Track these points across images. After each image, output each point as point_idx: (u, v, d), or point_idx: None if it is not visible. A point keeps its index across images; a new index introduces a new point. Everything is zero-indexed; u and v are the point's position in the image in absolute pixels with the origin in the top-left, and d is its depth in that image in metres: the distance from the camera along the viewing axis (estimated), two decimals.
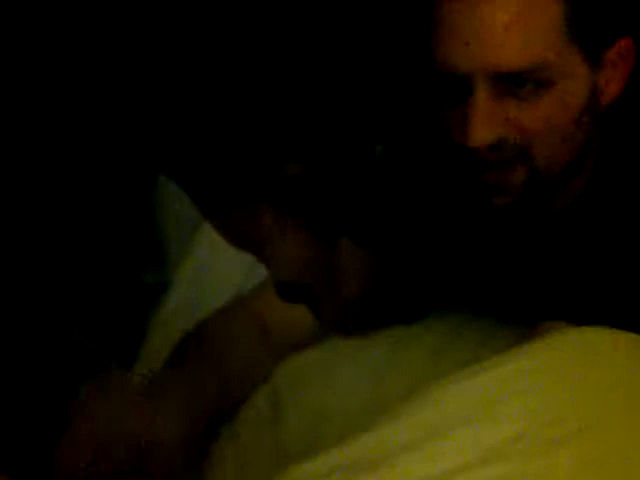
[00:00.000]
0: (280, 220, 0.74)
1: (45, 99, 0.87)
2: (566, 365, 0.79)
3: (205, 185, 0.74)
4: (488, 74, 0.82)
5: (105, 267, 1.05)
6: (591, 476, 0.71)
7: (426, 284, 0.98)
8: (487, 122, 0.82)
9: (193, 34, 0.71)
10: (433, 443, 0.74)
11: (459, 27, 0.82)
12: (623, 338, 0.80)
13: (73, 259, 0.96)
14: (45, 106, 0.88)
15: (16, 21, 0.73)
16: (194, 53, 0.70)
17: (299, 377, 0.95)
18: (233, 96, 0.70)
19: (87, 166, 0.96)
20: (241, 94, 0.70)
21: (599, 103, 0.87)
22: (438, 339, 0.96)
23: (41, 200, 0.91)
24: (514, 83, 0.82)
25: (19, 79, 0.83)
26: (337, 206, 0.75)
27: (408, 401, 0.79)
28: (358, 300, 0.80)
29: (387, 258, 0.84)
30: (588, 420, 0.74)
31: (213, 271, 1.20)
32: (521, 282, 0.96)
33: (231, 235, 0.79)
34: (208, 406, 0.90)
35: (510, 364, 0.79)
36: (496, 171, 0.85)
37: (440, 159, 0.91)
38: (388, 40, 0.80)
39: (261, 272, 1.03)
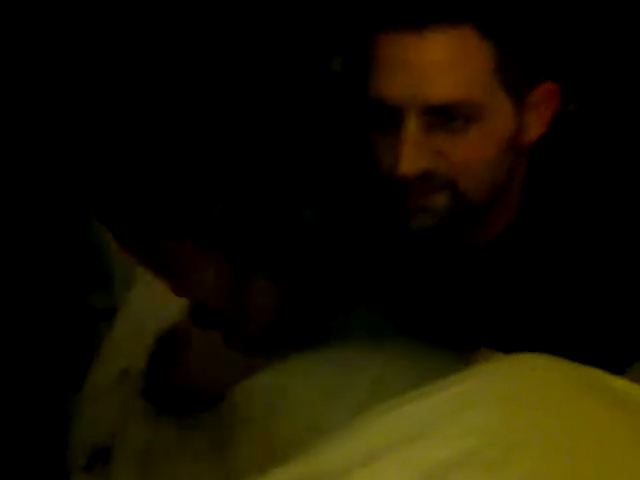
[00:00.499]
0: (200, 251, 0.78)
1: None
2: (506, 388, 0.82)
3: (132, 217, 0.78)
4: (418, 106, 0.85)
5: (48, 290, 1.05)
6: None
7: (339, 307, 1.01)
8: (416, 153, 0.85)
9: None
10: (376, 466, 0.76)
11: (393, 59, 0.85)
12: (556, 363, 0.84)
13: (14, 281, 0.97)
14: None
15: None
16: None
17: (251, 399, 0.97)
18: (166, 138, 0.74)
19: (26, 186, 0.97)
20: (174, 137, 0.74)
21: (522, 140, 0.91)
22: (381, 367, 0.99)
23: None
24: (444, 117, 0.85)
25: None
26: (253, 244, 0.81)
27: (348, 426, 0.81)
28: (264, 328, 0.85)
29: (296, 290, 0.89)
30: (525, 442, 0.77)
31: (158, 295, 1.21)
32: (452, 310, 0.99)
33: (153, 262, 0.83)
34: None
35: (447, 390, 0.81)
36: (419, 196, 0.88)
37: (363, 184, 0.95)
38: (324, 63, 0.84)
39: None
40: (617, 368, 0.85)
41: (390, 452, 0.77)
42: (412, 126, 0.85)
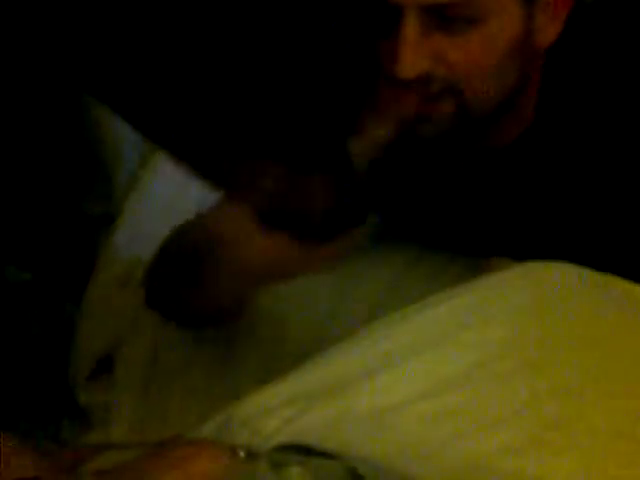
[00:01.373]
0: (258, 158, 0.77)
1: None
2: (519, 299, 0.81)
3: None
4: (417, 5, 0.82)
5: (41, 197, 1.02)
6: (547, 405, 0.73)
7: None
8: (415, 54, 0.83)
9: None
10: (386, 374, 0.76)
11: None
12: (575, 272, 0.83)
13: (5, 188, 0.94)
14: None
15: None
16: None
17: (257, 306, 0.96)
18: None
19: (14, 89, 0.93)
20: None
21: (535, 43, 0.88)
22: (393, 272, 0.98)
23: None
24: (444, 17, 0.83)
25: None
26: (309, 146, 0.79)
27: (362, 333, 0.81)
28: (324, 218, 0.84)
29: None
30: (545, 350, 0.77)
31: (163, 202, 1.19)
32: (468, 216, 0.97)
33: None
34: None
35: (463, 297, 0.81)
36: (423, 102, 0.86)
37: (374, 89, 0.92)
38: None
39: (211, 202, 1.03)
40: (635, 277, 0.83)
41: (405, 360, 0.76)
42: (410, 27, 0.82)
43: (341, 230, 0.85)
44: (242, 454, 0.68)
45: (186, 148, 0.78)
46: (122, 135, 1.21)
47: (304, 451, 0.69)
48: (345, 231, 0.86)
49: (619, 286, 0.82)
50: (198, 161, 0.79)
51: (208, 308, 0.89)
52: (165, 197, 1.18)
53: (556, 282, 0.82)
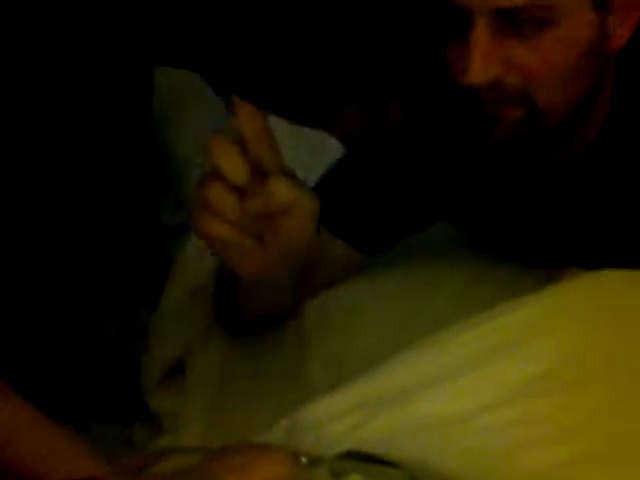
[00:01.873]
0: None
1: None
2: (589, 307, 0.80)
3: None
4: (489, 10, 0.81)
5: (119, 206, 1.05)
6: (615, 416, 0.72)
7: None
8: (486, 59, 0.81)
9: None
10: (453, 383, 0.75)
11: None
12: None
13: (81, 197, 0.96)
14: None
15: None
16: None
17: (323, 315, 0.96)
18: None
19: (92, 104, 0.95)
20: None
21: (608, 47, 0.86)
22: (461, 286, 0.97)
23: (51, 140, 0.91)
24: (515, 21, 0.81)
25: None
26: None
27: (432, 341, 0.80)
28: None
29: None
30: (614, 359, 0.75)
31: None
32: (539, 225, 0.96)
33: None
34: None
35: (532, 306, 0.80)
36: (494, 107, 0.85)
37: (442, 97, 0.92)
38: None
39: None
40: None
41: (472, 368, 0.76)
42: (481, 31, 0.81)
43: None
44: (304, 460, 0.68)
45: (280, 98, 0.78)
46: (193, 148, 1.23)
47: (367, 459, 0.69)
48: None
49: None
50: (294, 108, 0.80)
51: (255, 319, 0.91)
52: None
53: (625, 291, 0.81)
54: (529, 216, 0.96)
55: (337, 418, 0.74)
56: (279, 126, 1.17)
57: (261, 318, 0.94)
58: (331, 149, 1.13)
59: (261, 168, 0.69)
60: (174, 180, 1.19)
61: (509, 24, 0.81)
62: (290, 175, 0.71)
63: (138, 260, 1.08)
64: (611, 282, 0.82)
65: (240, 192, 0.69)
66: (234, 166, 0.68)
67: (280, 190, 0.69)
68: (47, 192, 0.92)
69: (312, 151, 1.14)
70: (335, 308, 0.97)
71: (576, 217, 0.94)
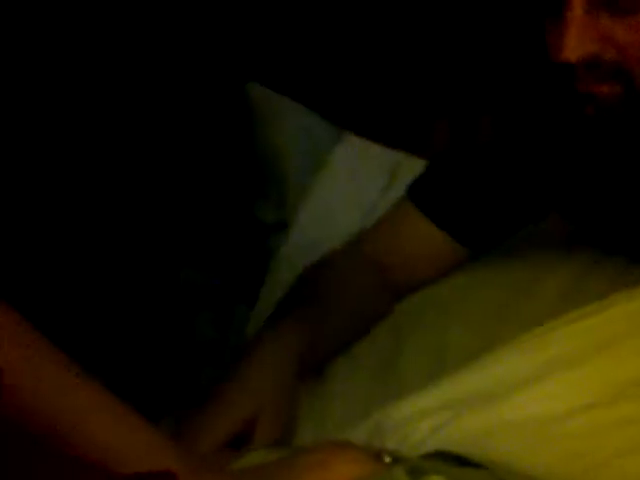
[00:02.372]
0: None
1: None
2: None
3: None
4: None
5: (217, 203, 1.05)
6: None
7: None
8: (581, 36, 0.78)
9: None
10: (551, 381, 0.71)
11: None
12: None
13: (180, 194, 0.96)
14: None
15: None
16: None
17: (419, 314, 0.93)
18: None
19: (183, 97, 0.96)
20: None
21: None
22: (564, 281, 0.92)
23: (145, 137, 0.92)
24: None
25: None
26: None
27: (528, 337, 0.77)
28: None
29: None
30: None
31: (333, 212, 1.19)
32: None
33: None
34: (321, 347, 0.89)
35: (635, 303, 0.76)
36: (590, 84, 0.81)
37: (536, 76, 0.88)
38: None
39: (378, 215, 1.03)
40: None
41: (570, 366, 0.72)
42: (576, 8, 0.78)
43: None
44: (387, 459, 0.65)
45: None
46: (293, 144, 1.22)
47: (453, 460, 0.66)
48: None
49: None
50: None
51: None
52: (336, 206, 1.19)
53: None
54: (634, 202, 0.91)
55: (424, 416, 0.72)
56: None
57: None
58: None
59: None
60: (272, 177, 1.19)
61: (604, 1, 0.78)
62: None
63: (236, 257, 1.08)
64: None
65: None
66: None
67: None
68: (148, 190, 0.93)
69: None
70: (431, 301, 0.94)
71: None
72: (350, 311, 0.92)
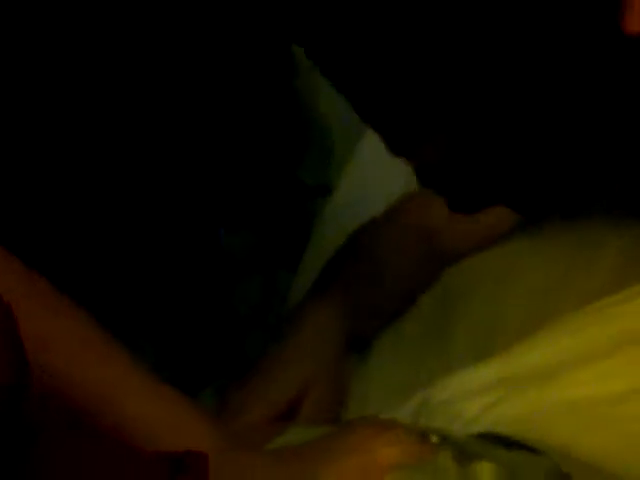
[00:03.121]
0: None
1: None
2: None
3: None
4: None
5: (258, 165, 1.02)
6: None
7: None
8: None
9: None
10: (611, 359, 0.68)
11: None
12: None
13: (219, 155, 0.94)
14: None
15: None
16: None
17: (471, 282, 0.90)
18: None
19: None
20: None
21: None
22: (622, 256, 0.88)
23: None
24: None
25: None
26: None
27: (583, 316, 0.73)
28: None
29: None
30: None
31: (378, 175, 1.16)
32: None
33: None
34: (366, 318, 0.86)
35: None
36: None
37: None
38: None
39: None
40: None
41: (633, 343, 0.68)
42: None
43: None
44: (435, 439, 0.62)
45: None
46: (338, 104, 1.19)
47: (504, 442, 0.63)
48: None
49: None
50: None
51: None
52: (381, 168, 1.16)
53: None
54: None
55: (475, 395, 0.69)
56: None
57: None
58: None
59: None
60: (316, 139, 1.16)
61: None
62: None
63: (277, 220, 1.06)
64: None
65: None
66: None
67: None
68: (191, 152, 0.90)
69: None
70: (481, 270, 0.91)
71: None
72: (396, 278, 0.90)
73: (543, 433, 0.63)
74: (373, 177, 1.15)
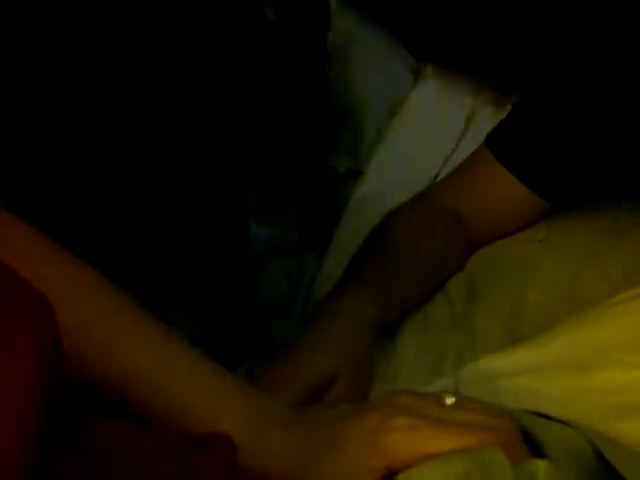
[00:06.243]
0: None
1: None
2: None
3: None
4: None
5: (289, 151, 1.03)
6: None
7: None
8: None
9: None
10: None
11: None
12: None
13: (251, 140, 0.94)
14: None
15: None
16: None
17: (496, 267, 0.90)
18: None
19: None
20: None
21: None
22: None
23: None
24: None
25: None
26: None
27: (615, 304, 0.74)
28: None
29: None
30: None
31: (408, 160, 1.16)
32: None
33: None
34: (395, 303, 0.87)
35: None
36: None
37: None
38: None
39: (454, 163, 1.00)
40: None
41: None
42: None
43: None
44: (449, 401, 0.61)
45: None
46: (370, 90, 1.19)
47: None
48: None
49: None
50: None
51: None
52: (410, 153, 1.16)
53: None
54: None
55: (500, 378, 0.69)
56: None
57: None
58: None
59: None
60: (346, 125, 1.16)
61: None
62: None
63: (307, 205, 1.06)
64: None
65: None
66: None
67: None
68: (220, 139, 0.91)
69: None
70: (507, 257, 0.91)
71: None
72: (424, 264, 0.90)
73: (577, 417, 0.64)
74: (403, 161, 1.15)
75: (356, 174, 1.14)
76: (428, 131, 1.19)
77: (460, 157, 1.01)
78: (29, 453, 0.43)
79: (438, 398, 0.61)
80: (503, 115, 0.97)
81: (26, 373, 0.44)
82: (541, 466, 0.56)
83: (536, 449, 0.60)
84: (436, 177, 1.14)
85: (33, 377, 0.44)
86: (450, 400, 0.61)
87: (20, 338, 0.45)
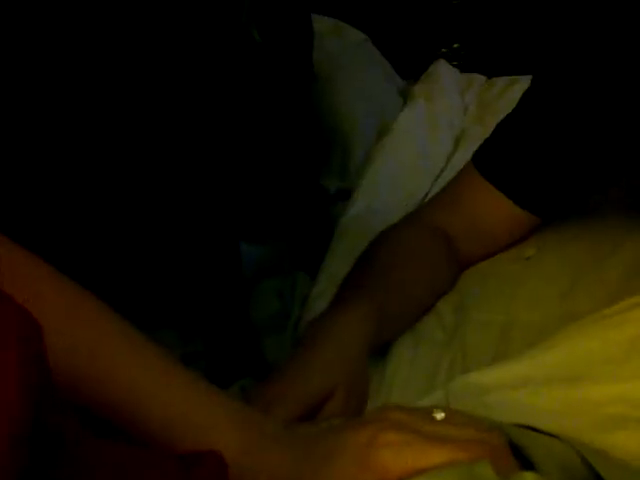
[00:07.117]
0: None
1: None
2: None
3: None
4: None
5: (280, 173, 1.03)
6: None
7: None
8: None
9: None
10: (631, 364, 0.69)
11: None
12: None
13: (241, 160, 0.95)
14: None
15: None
16: None
17: (486, 284, 0.91)
18: None
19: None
20: None
21: None
22: (634, 259, 0.89)
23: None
24: None
25: None
26: None
27: (600, 320, 0.74)
28: None
29: None
30: None
31: (397, 180, 1.17)
32: None
33: None
34: (387, 323, 0.87)
35: None
36: None
37: None
38: None
39: (443, 182, 1.01)
40: None
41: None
42: None
43: None
44: (439, 416, 0.61)
45: None
46: (359, 112, 1.20)
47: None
48: None
49: None
50: None
51: None
52: (399, 173, 1.17)
53: None
54: None
55: (492, 391, 0.70)
56: None
57: None
58: None
59: None
60: (336, 145, 1.17)
61: None
62: None
63: (298, 225, 1.07)
64: None
65: None
66: None
67: None
68: (208, 159, 0.92)
69: None
70: (496, 274, 0.92)
71: None
72: (416, 283, 0.90)
73: (568, 429, 0.64)
74: (393, 181, 1.16)
75: (346, 194, 1.15)
76: (417, 151, 1.20)
77: (449, 177, 1.01)
78: (20, 455, 0.43)
79: (428, 413, 0.62)
80: None
81: (9, 392, 0.44)
82: (529, 479, 0.56)
83: (525, 462, 0.60)
84: (426, 196, 1.15)
85: (14, 395, 0.45)
86: (440, 415, 0.62)
87: (3, 357, 0.45)
